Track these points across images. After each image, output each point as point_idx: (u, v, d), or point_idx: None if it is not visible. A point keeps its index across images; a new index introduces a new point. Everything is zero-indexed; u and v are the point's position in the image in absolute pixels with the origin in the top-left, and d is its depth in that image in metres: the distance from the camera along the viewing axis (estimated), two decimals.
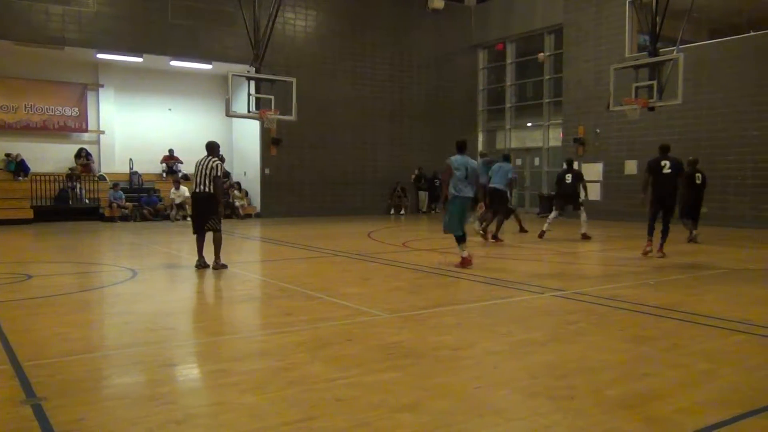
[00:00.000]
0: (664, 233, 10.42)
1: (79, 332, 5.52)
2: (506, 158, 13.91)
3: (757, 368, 4.45)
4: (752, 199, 16.19)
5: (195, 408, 3.65)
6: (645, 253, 10.46)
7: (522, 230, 14.77)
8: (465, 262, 9.16)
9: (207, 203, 8.93)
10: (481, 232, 13.09)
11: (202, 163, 8.97)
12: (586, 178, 20.91)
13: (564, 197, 13.76)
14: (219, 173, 8.87)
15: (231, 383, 4.05)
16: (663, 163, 10.36)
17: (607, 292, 7.31)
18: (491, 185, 12.85)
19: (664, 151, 10.57)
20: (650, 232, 10.50)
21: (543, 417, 3.49)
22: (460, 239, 9.22)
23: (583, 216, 13.55)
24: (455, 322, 5.92)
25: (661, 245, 10.37)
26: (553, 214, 13.74)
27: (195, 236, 9.15)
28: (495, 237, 12.92)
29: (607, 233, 15.38)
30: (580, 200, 13.65)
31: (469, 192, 9.14)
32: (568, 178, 13.73)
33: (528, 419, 3.48)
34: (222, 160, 9.47)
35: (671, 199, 10.40)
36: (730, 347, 5.02)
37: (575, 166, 15.25)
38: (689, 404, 3.66)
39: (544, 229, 13.53)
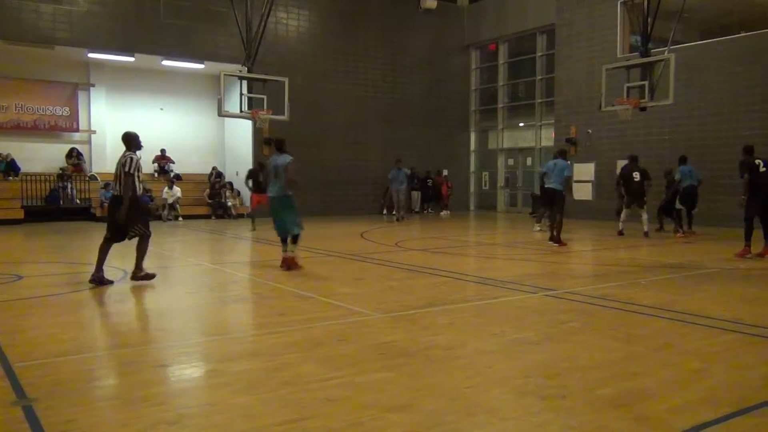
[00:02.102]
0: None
1: (69, 333, 5.49)
2: (562, 154, 12.70)
3: (747, 367, 4.48)
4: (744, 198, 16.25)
5: (187, 408, 3.63)
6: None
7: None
8: (290, 264, 9.03)
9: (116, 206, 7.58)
10: (540, 230, 13.90)
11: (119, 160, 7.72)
12: (576, 177, 20.99)
13: (633, 194, 13.95)
14: (129, 169, 7.44)
15: (223, 383, 4.04)
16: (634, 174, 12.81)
17: (599, 292, 7.33)
18: (548, 185, 12.24)
19: (634, 161, 12.83)
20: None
21: (535, 416, 3.50)
22: (296, 238, 9.18)
23: (645, 215, 13.91)
24: (448, 321, 5.92)
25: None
26: (624, 213, 14.04)
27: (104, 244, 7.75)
28: (556, 240, 12.16)
29: (599, 233, 15.43)
30: (645, 199, 14.03)
31: (274, 191, 9.04)
32: (636, 176, 13.88)
33: (520, 418, 3.49)
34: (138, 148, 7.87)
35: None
36: (720, 346, 5.05)
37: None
38: (680, 403, 3.68)
39: (621, 228, 14.05)
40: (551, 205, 12.35)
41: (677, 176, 14.01)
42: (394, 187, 19.58)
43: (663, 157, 18.36)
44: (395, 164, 19.63)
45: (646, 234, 13.66)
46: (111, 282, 7.64)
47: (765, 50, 16.66)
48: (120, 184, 7.43)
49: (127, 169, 7.39)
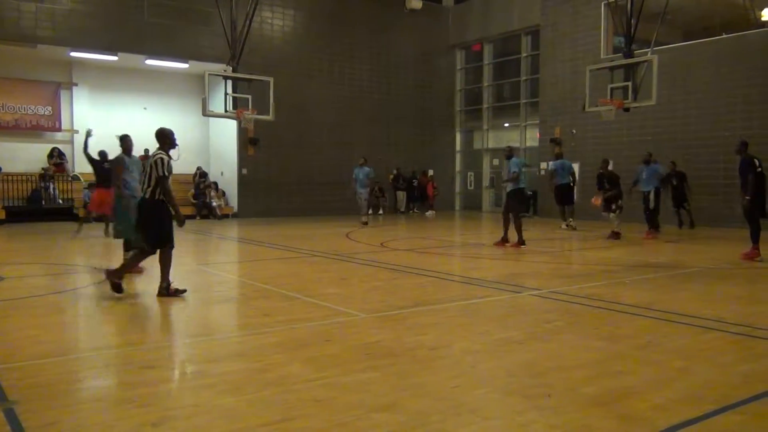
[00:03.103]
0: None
1: (51, 335, 5.43)
2: (561, 156, 14.63)
3: (729, 365, 4.53)
4: (724, 198, 16.44)
5: (171, 410, 3.61)
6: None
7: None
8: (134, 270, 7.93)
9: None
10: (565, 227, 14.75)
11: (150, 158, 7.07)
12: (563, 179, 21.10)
13: (677, 199, 14.85)
14: (163, 172, 6.81)
15: (208, 385, 4.02)
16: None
17: (583, 291, 7.38)
18: (563, 182, 13.65)
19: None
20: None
21: (519, 415, 3.51)
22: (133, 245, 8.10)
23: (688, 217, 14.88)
24: (433, 321, 5.93)
25: None
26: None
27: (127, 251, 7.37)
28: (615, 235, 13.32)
29: (583, 233, 15.52)
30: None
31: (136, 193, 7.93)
32: (675, 180, 14.56)
33: (504, 418, 3.50)
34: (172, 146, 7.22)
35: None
36: (703, 345, 5.10)
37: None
38: (663, 401, 3.71)
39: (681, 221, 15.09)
40: (568, 200, 14.00)
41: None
42: (356, 187, 17.88)
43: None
44: (361, 162, 18.08)
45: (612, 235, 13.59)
46: (184, 291, 7.04)
47: (746, 52, 16.86)
48: (150, 186, 6.80)
49: (160, 173, 6.74)
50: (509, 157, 12.18)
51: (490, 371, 4.38)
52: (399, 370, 4.32)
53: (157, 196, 6.80)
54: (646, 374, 4.25)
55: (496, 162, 25.43)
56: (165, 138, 7.20)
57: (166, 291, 6.91)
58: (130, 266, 7.27)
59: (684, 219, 15.66)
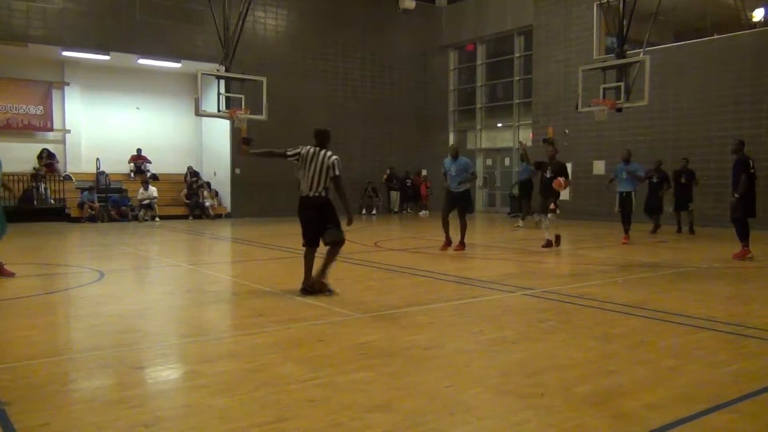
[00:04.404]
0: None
1: (44, 335, 5.40)
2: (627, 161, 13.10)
3: (721, 364, 4.55)
4: (716, 198, 16.53)
5: (164, 411, 3.60)
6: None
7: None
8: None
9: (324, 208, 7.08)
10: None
11: (313, 156, 7.08)
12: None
13: (681, 200, 14.23)
14: (339, 172, 7.04)
15: (201, 385, 4.01)
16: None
17: (576, 291, 7.40)
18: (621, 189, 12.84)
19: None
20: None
21: (513, 414, 3.52)
22: None
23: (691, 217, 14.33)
24: (427, 321, 5.94)
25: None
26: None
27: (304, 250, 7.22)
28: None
29: (575, 232, 15.58)
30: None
31: None
32: (683, 178, 14.03)
33: (498, 417, 3.51)
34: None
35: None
36: (695, 344, 5.12)
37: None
38: (656, 400, 3.73)
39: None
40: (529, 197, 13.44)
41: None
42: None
43: (638, 157, 18.56)
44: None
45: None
46: (330, 291, 7.04)
47: (737, 53, 16.96)
48: (319, 186, 6.92)
49: (337, 173, 6.97)
50: (456, 157, 11.29)
51: (484, 371, 4.38)
52: (393, 370, 4.32)
53: (324, 194, 6.99)
54: (638, 373, 4.27)
55: (489, 162, 25.49)
56: (328, 136, 7.33)
57: (315, 288, 6.99)
58: (329, 263, 7.12)
59: (683, 222, 15.01)
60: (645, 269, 9.41)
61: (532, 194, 16.81)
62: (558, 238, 11.91)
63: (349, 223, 7.07)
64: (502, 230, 15.07)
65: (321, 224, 6.99)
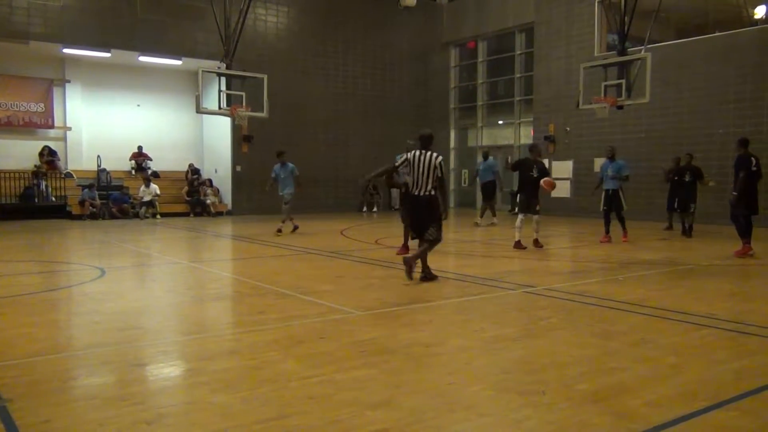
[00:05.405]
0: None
1: (45, 332, 5.41)
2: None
3: (722, 362, 4.55)
4: (717, 195, 16.52)
5: (165, 408, 3.60)
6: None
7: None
8: None
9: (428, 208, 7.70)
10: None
11: (420, 159, 7.62)
12: (555, 175, 21.06)
13: (684, 199, 13.63)
14: (442, 173, 7.63)
15: (202, 382, 4.02)
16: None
17: (577, 288, 7.40)
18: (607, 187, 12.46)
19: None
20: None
21: (514, 412, 3.52)
22: None
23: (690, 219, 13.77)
24: (428, 318, 5.94)
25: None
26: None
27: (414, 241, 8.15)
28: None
29: (577, 230, 15.58)
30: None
31: None
32: (687, 176, 13.52)
33: (499, 414, 3.51)
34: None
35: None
36: (696, 341, 5.12)
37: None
38: (657, 398, 3.73)
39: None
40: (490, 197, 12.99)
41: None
42: (279, 188, 14.36)
43: (639, 154, 18.59)
44: (278, 157, 14.28)
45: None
46: (436, 277, 7.86)
47: (738, 50, 16.93)
48: (426, 186, 7.58)
49: (440, 174, 7.57)
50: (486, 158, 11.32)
51: (485, 368, 4.39)
52: (394, 368, 4.33)
53: (433, 193, 7.61)
54: (639, 371, 4.27)
55: (490, 159, 25.42)
56: (432, 140, 7.94)
57: (427, 277, 7.82)
58: (420, 256, 7.81)
59: (675, 220, 14.51)
60: (645, 267, 9.40)
61: (494, 196, 17.40)
62: (536, 240, 11.58)
63: (445, 217, 7.90)
64: (503, 227, 15.08)
65: (427, 222, 7.67)
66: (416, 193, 7.68)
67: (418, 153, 7.69)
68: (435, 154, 7.65)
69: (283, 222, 14.29)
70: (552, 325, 5.65)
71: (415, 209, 7.86)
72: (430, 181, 7.57)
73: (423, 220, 7.71)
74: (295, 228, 14.29)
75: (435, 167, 7.55)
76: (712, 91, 17.31)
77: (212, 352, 4.86)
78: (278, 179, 14.29)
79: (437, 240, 7.82)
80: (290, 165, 14.09)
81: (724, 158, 16.08)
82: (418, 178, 7.64)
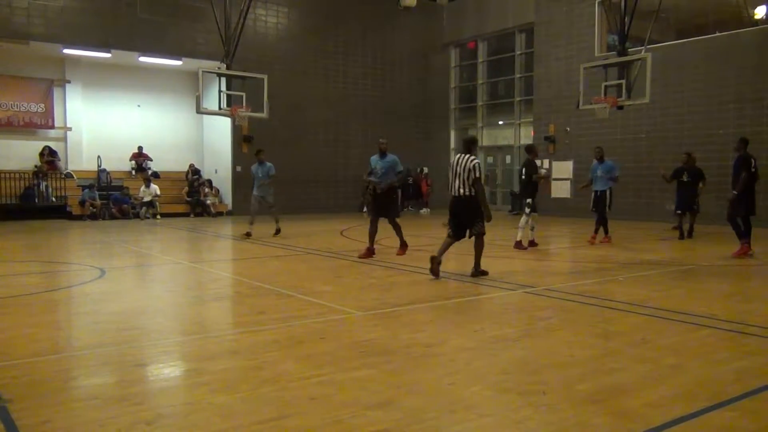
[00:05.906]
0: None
1: (46, 333, 5.41)
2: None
3: (722, 362, 4.55)
4: (718, 196, 16.52)
5: (165, 408, 3.60)
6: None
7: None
8: None
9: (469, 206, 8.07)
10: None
11: (459, 161, 8.08)
12: (555, 175, 21.03)
13: (685, 201, 13.31)
14: (480, 174, 7.99)
15: (202, 383, 4.02)
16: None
17: (577, 289, 7.40)
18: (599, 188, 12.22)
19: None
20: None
21: (514, 412, 3.52)
22: None
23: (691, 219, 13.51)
24: (428, 319, 5.94)
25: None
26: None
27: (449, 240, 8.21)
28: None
29: (576, 230, 15.57)
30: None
31: None
32: (685, 176, 13.23)
33: (499, 415, 3.51)
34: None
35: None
36: (696, 342, 5.12)
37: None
38: (657, 398, 3.73)
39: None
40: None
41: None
42: (254, 188, 14.27)
43: (640, 155, 18.61)
44: (256, 156, 14.12)
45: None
46: (486, 272, 8.28)
47: (738, 50, 16.93)
48: (464, 186, 7.97)
49: (477, 175, 7.92)
50: (383, 154, 10.66)
51: (485, 368, 4.38)
52: (394, 368, 4.33)
53: (471, 193, 7.99)
54: (639, 371, 4.27)
55: (490, 160, 25.47)
56: (472, 143, 8.42)
57: (476, 273, 8.24)
58: (479, 254, 8.31)
59: (684, 225, 13.68)
60: (645, 267, 9.40)
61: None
62: (532, 241, 11.58)
63: (488, 220, 8.08)
64: (503, 228, 15.07)
65: (467, 220, 8.09)
66: (457, 194, 8.08)
67: (459, 157, 8.16)
68: (472, 157, 8.04)
69: (277, 222, 14.28)
70: (552, 326, 5.65)
71: (456, 209, 8.17)
72: (467, 182, 7.96)
73: (467, 218, 8.09)
74: (278, 231, 14.12)
75: (470, 169, 7.93)
76: (712, 91, 17.32)
77: (212, 352, 4.85)
78: (255, 178, 14.16)
79: (481, 233, 8.18)
80: (268, 164, 13.96)
81: (724, 158, 16.07)
82: (456, 179, 8.07)
